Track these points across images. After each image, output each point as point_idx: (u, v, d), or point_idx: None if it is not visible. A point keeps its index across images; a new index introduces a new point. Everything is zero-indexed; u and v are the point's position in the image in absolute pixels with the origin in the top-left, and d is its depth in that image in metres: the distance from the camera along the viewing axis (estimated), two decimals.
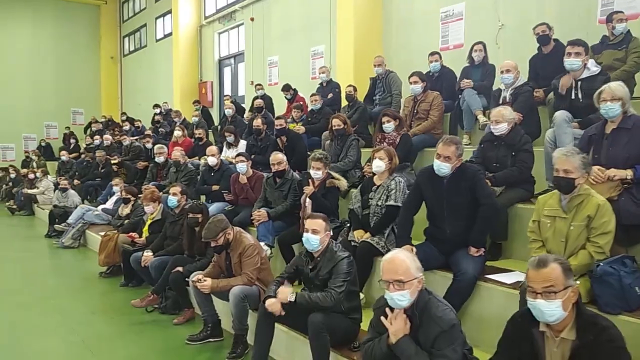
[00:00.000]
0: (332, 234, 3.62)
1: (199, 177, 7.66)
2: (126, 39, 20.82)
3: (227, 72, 15.36)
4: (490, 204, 3.57)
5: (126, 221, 6.92)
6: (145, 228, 6.17)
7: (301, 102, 8.74)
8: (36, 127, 19.50)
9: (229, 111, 9.71)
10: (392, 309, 2.47)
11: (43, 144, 17.85)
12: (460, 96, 6.27)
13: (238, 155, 6.14)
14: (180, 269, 4.88)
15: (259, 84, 10.73)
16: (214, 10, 15.11)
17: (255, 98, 10.15)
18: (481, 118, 5.92)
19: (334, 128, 6.02)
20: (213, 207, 6.38)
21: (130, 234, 6.14)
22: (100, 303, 5.56)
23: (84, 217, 8.68)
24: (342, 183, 5.02)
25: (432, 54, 6.90)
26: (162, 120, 12.63)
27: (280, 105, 10.31)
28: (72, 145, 15.49)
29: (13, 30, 19.08)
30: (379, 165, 4.36)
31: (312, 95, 7.85)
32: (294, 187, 5.43)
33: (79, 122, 19.90)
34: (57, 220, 9.33)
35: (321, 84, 8.76)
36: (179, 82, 15.73)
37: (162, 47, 17.63)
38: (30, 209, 12.52)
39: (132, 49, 20.42)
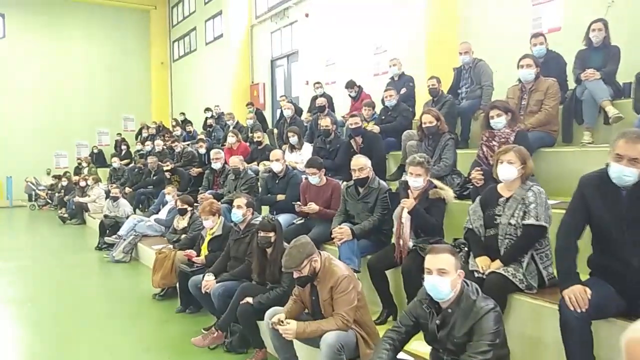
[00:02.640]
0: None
1: (259, 184, 6.87)
2: (176, 44, 20.51)
3: (279, 72, 14.60)
4: None
5: (182, 236, 6.14)
6: (205, 245, 5.34)
7: (370, 100, 7.77)
8: (88, 133, 19.45)
9: (287, 112, 8.89)
10: None
11: (95, 150, 17.67)
12: (577, 85, 5.17)
13: (308, 166, 5.20)
14: (249, 300, 4.00)
15: (318, 82, 9.84)
16: (266, 8, 14.38)
17: (315, 97, 9.30)
18: (611, 110, 4.79)
19: (424, 126, 5.01)
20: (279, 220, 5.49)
21: (188, 252, 5.32)
22: (154, 335, 4.75)
23: (136, 228, 8.03)
24: (449, 193, 3.99)
25: (535, 35, 5.76)
26: (215, 124, 11.97)
27: (339, 105, 9.39)
28: (123, 152, 15.12)
29: (67, 39, 19.15)
30: (509, 171, 3.33)
31: (387, 89, 6.87)
32: (382, 198, 4.45)
33: (130, 128, 19.73)
34: (107, 231, 8.75)
35: (392, 78, 7.77)
36: (230, 84, 15.11)
37: (212, 50, 17.12)
38: (82, 217, 12.12)
39: (182, 53, 20.07)
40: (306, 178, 5.57)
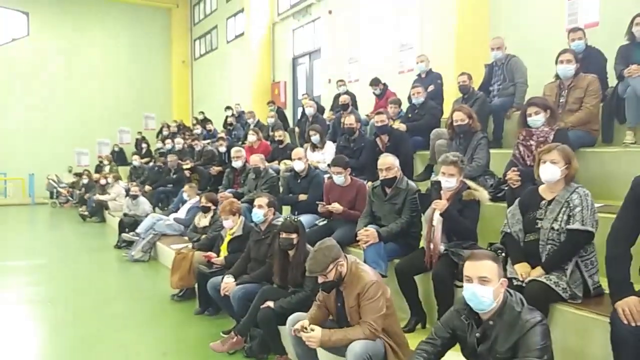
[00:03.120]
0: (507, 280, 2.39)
1: (280, 184, 6.70)
2: (197, 42, 20.51)
3: (301, 70, 14.42)
4: None
5: (203, 236, 5.98)
6: (224, 245, 5.18)
7: (396, 97, 7.53)
8: (110, 132, 19.53)
9: (309, 110, 8.71)
10: None
11: (116, 148, 17.72)
12: (619, 82, 4.87)
13: (334, 166, 5.01)
14: (270, 304, 3.82)
15: (341, 80, 9.64)
16: (288, 6, 14.22)
17: (338, 95, 9.10)
18: None
19: (455, 124, 4.77)
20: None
21: (208, 254, 5.16)
22: (171, 338, 4.60)
23: (155, 227, 7.92)
24: (484, 195, 3.75)
25: (573, 30, 5.48)
26: (235, 122, 11.85)
27: (363, 103, 9.16)
28: (144, 150, 15.11)
29: (89, 37, 19.29)
30: (552, 171, 3.08)
31: (414, 86, 6.64)
32: (411, 199, 4.23)
33: (150, 126, 19.78)
34: (126, 229, 8.65)
35: (419, 75, 7.52)
36: (251, 83, 14.99)
37: (233, 49, 17.04)
38: (102, 215, 12.10)
39: (202, 52, 20.07)
40: (329, 178, 5.38)
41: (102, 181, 12.44)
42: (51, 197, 16.53)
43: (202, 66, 20.03)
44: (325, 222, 5.20)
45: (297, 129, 9.66)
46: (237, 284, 4.33)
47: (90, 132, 19.16)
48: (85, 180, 14.27)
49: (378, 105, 8.18)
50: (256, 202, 4.68)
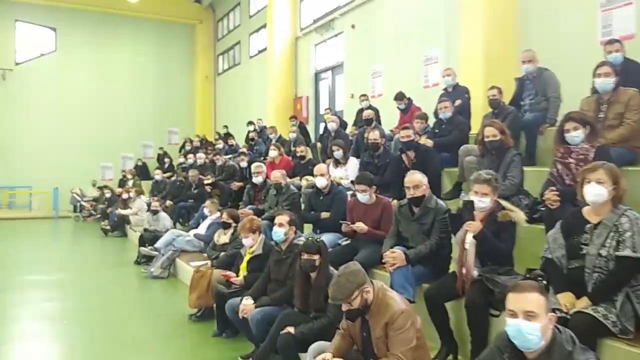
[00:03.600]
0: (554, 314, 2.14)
1: (302, 200, 6.52)
2: (220, 58, 20.68)
3: (323, 85, 14.33)
4: None
5: (222, 253, 5.82)
6: (243, 264, 5.00)
7: (422, 112, 7.32)
8: (134, 146, 19.74)
9: (332, 125, 8.53)
10: None
11: (140, 163, 17.83)
12: None
13: (358, 184, 4.80)
14: (290, 329, 3.61)
15: (364, 95, 9.49)
16: (311, 20, 14.20)
17: (361, 110, 8.93)
18: None
19: (486, 140, 4.52)
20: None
21: (227, 273, 4.98)
22: None
23: (174, 243, 7.80)
24: (520, 216, 3.49)
25: (610, 42, 5.21)
26: (257, 137, 11.77)
27: (386, 118, 8.96)
28: (166, 165, 15.15)
29: (114, 52, 19.66)
30: (598, 192, 2.83)
31: (441, 101, 6.42)
32: (441, 219, 3.99)
33: (174, 141, 19.95)
34: (146, 245, 8.56)
35: (445, 89, 7.31)
36: (274, 98, 14.96)
37: (256, 64, 17.10)
38: (123, 230, 12.09)
39: (226, 67, 20.21)
40: (352, 195, 5.17)
41: (124, 195, 12.47)
42: (74, 211, 16.65)
43: (225, 81, 20.16)
44: (348, 241, 4.99)
45: (319, 145, 9.50)
46: (256, 307, 4.14)
47: (115, 147, 19.39)
48: (108, 194, 14.32)
49: (402, 120, 7.98)
50: (277, 220, 4.49)
